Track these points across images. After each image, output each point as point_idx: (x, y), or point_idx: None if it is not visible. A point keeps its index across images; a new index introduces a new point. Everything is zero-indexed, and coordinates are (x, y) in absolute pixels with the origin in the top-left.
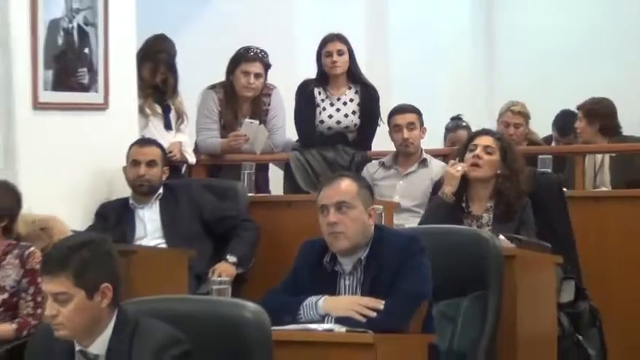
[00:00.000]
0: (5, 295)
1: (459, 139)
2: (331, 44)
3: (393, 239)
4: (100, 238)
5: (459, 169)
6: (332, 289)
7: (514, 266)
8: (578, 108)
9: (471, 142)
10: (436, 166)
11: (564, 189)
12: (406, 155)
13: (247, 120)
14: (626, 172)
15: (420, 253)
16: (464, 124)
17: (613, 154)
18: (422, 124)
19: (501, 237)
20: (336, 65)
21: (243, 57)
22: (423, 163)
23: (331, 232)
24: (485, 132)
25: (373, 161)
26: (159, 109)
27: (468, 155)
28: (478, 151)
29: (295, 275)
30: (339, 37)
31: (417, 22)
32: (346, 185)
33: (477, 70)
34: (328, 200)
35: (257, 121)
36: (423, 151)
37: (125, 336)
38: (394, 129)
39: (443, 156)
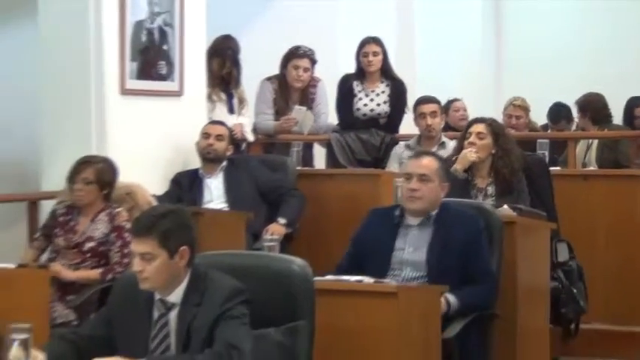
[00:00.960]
0: (93, 244)
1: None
2: (368, 46)
3: (459, 214)
4: (181, 209)
5: (474, 154)
6: (396, 243)
7: (515, 231)
8: (575, 102)
9: (467, 131)
10: (451, 148)
11: (558, 167)
12: (428, 139)
13: (297, 106)
14: (611, 154)
15: (483, 232)
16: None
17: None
18: (442, 112)
19: (505, 207)
20: (371, 64)
21: (294, 54)
22: (442, 145)
23: (410, 195)
24: (477, 120)
25: (400, 143)
26: (224, 97)
27: (466, 142)
28: (472, 138)
29: (355, 247)
30: (375, 40)
31: (438, 28)
32: (429, 162)
33: (486, 68)
34: (413, 170)
35: (305, 108)
36: (441, 135)
37: (198, 288)
38: (419, 116)
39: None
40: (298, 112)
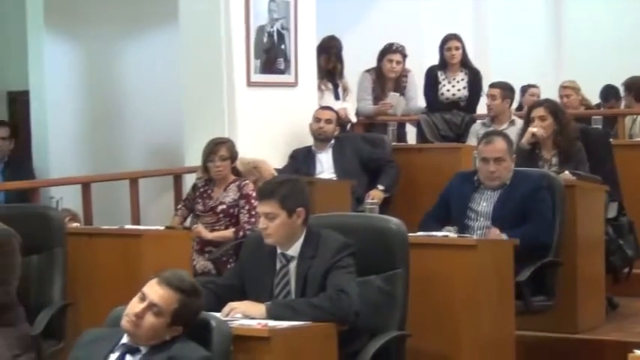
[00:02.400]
0: (224, 207)
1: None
2: (450, 42)
3: (526, 176)
4: (297, 178)
5: (541, 130)
6: (474, 199)
7: (575, 192)
8: (622, 84)
9: (529, 115)
10: (521, 125)
11: (611, 139)
12: (495, 118)
13: (391, 93)
14: None
15: (545, 188)
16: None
17: None
18: (505, 96)
19: (566, 172)
20: (454, 57)
21: (388, 50)
22: (512, 122)
23: (489, 176)
24: (537, 104)
25: (477, 121)
26: (330, 86)
27: (531, 124)
28: (536, 122)
29: (442, 201)
30: (456, 37)
31: (507, 23)
32: (500, 144)
33: (549, 55)
34: (489, 155)
35: (398, 94)
36: (512, 114)
37: (312, 242)
38: (486, 98)
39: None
40: (392, 97)
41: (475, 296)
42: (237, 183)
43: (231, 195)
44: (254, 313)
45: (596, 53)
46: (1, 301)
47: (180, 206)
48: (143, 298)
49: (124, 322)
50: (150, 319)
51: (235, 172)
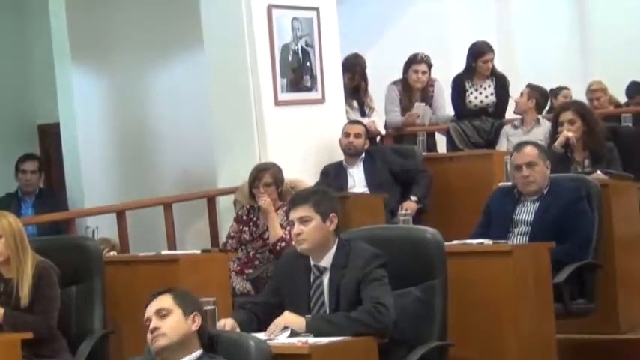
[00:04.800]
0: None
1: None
2: (487, 55)
3: (564, 185)
4: (327, 188)
5: (571, 133)
6: (515, 210)
7: (608, 191)
8: None
9: (557, 119)
10: (548, 125)
11: None
12: (523, 118)
13: (417, 103)
14: None
15: (584, 199)
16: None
17: None
18: (530, 96)
19: (598, 172)
20: (488, 69)
21: (413, 60)
22: (537, 122)
23: (524, 182)
24: (564, 108)
25: (507, 124)
26: (355, 105)
27: (561, 128)
28: (565, 126)
29: (487, 216)
30: (491, 49)
31: (531, 28)
32: (530, 150)
33: (574, 56)
34: (521, 161)
35: (424, 103)
36: (538, 116)
37: (343, 253)
38: None
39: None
40: (418, 107)
41: (514, 301)
42: (283, 209)
43: (278, 220)
44: (294, 324)
45: (621, 50)
46: (43, 332)
47: (225, 242)
48: (149, 319)
49: (152, 344)
50: (165, 323)
51: (280, 195)
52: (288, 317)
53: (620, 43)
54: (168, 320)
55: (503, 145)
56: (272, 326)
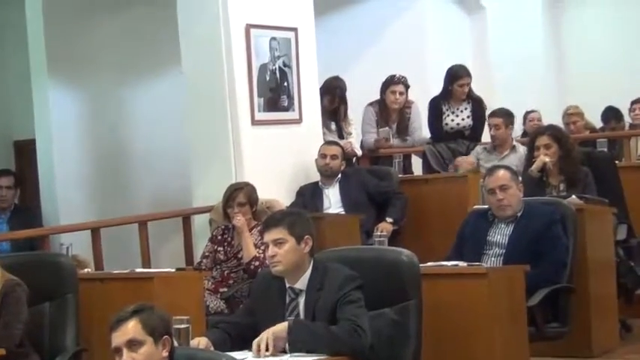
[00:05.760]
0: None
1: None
2: (463, 79)
3: (539, 208)
4: (301, 210)
5: (547, 158)
6: (490, 232)
7: (584, 215)
8: (632, 102)
9: (534, 143)
10: (523, 150)
11: (616, 161)
12: (498, 145)
13: (382, 128)
14: None
15: (558, 223)
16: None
17: None
18: (507, 124)
19: (573, 197)
20: (464, 93)
21: (391, 82)
22: (513, 149)
23: (498, 205)
24: (540, 132)
25: (477, 147)
26: (333, 127)
27: (537, 152)
28: (541, 150)
29: (461, 239)
30: (467, 72)
31: (508, 51)
32: (503, 173)
33: (551, 80)
34: (494, 184)
35: (387, 128)
36: (513, 140)
37: (319, 275)
38: (489, 127)
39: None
40: (383, 132)
41: (488, 324)
42: (258, 229)
43: (256, 238)
44: (278, 331)
45: (597, 75)
46: (6, 347)
47: (200, 261)
48: (118, 350)
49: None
50: (139, 353)
51: (254, 214)
52: (270, 330)
53: (595, 69)
54: (140, 352)
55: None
56: (255, 346)
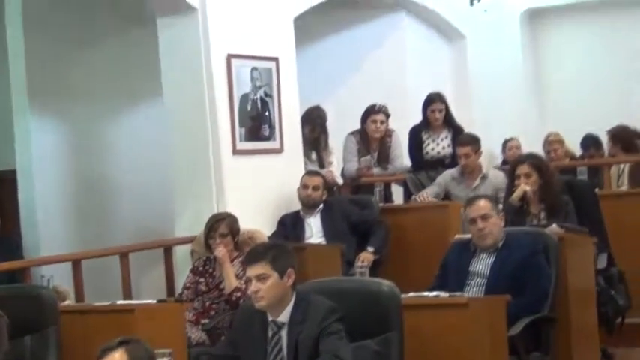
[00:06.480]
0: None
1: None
2: (434, 104)
3: (520, 238)
4: (283, 243)
5: (528, 187)
6: (472, 262)
7: (565, 244)
8: (607, 132)
9: (514, 172)
10: (494, 177)
11: (596, 189)
12: (468, 173)
13: (363, 157)
14: None
15: (541, 253)
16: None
17: (631, 164)
18: (476, 150)
19: (554, 225)
20: (437, 120)
21: (371, 111)
22: (484, 178)
23: (479, 235)
24: (521, 161)
25: (445, 174)
26: (314, 157)
27: (518, 181)
28: (522, 179)
29: (444, 269)
30: (439, 98)
31: (488, 80)
32: (484, 203)
33: (531, 108)
34: (475, 214)
35: (369, 157)
36: (483, 168)
37: (301, 308)
38: (458, 157)
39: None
40: (365, 161)
41: (469, 354)
42: (239, 259)
43: (238, 268)
44: None
45: (577, 103)
46: None
47: (181, 292)
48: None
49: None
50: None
51: (236, 245)
52: None
53: (575, 97)
54: None
55: (432, 189)
56: None
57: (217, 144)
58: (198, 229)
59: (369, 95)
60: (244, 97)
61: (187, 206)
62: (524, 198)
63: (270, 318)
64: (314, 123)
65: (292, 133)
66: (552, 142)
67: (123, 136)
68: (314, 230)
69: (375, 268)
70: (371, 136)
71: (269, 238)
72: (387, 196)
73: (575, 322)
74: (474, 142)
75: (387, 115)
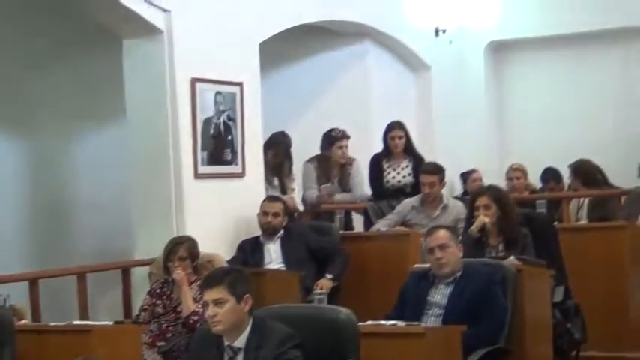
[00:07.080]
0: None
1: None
2: (394, 132)
3: (478, 269)
4: (241, 268)
5: (487, 218)
6: (430, 292)
7: (523, 276)
8: (568, 166)
9: (474, 204)
10: (454, 207)
11: (555, 222)
12: (430, 202)
13: (323, 185)
14: (599, 210)
15: (498, 284)
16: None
17: (590, 198)
18: (441, 180)
19: (511, 257)
20: (397, 147)
21: (338, 138)
22: (445, 208)
23: (437, 264)
24: (480, 193)
25: (405, 202)
26: (276, 182)
27: (477, 213)
28: (481, 211)
29: (402, 298)
30: (399, 126)
31: (450, 111)
32: (443, 233)
33: (492, 140)
34: (433, 244)
35: (330, 184)
36: (444, 198)
37: (257, 334)
38: (422, 185)
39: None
40: (325, 189)
41: None
42: (198, 282)
43: (197, 292)
44: None
45: (538, 136)
46: None
47: (138, 314)
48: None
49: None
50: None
51: (195, 268)
52: None
53: (536, 129)
54: None
55: (392, 218)
56: None
57: (179, 167)
58: (157, 252)
59: (333, 123)
60: (207, 121)
61: (147, 228)
62: (483, 229)
63: (226, 343)
64: (278, 148)
65: (254, 158)
66: (516, 170)
67: (84, 156)
68: (273, 256)
69: (333, 295)
70: (336, 161)
71: (227, 262)
72: (348, 223)
73: (531, 355)
74: (439, 171)
75: (349, 138)
